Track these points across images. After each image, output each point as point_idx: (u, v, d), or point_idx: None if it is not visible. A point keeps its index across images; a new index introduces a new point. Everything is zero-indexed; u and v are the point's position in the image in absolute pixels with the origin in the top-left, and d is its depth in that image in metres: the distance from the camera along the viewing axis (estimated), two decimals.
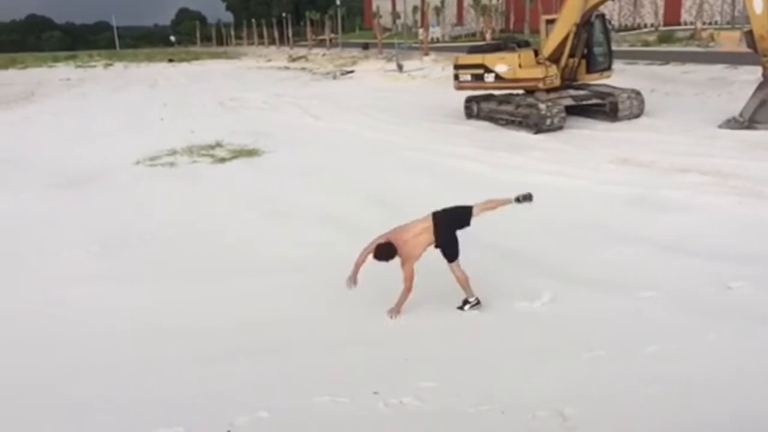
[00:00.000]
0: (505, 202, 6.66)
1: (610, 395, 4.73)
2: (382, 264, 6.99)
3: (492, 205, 6.62)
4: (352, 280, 6.06)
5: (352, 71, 40.43)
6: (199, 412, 4.65)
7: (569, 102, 16.21)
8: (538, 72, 16.18)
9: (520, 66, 16.41)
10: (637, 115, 16.37)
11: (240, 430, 4.47)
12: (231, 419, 4.55)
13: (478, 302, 6.23)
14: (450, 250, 6.21)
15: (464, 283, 6.21)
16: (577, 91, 16.73)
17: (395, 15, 68.24)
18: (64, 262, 8.11)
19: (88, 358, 5.57)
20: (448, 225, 6.24)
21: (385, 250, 6.02)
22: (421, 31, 46.33)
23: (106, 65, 64.95)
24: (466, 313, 6.14)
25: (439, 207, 9.86)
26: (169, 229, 9.29)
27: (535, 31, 30.18)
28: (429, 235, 6.15)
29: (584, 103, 16.58)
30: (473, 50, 18.90)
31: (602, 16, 16.67)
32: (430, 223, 6.21)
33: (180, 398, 4.86)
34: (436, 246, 6.18)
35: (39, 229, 9.59)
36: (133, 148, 15.66)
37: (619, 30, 45.24)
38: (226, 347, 5.67)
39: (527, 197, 6.65)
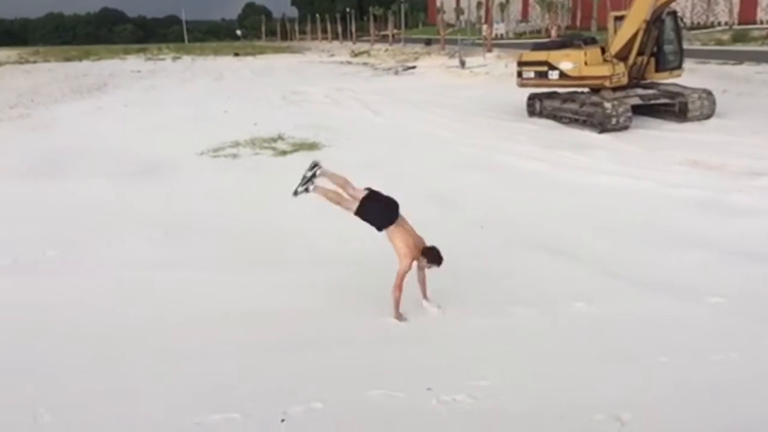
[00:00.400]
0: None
1: (671, 402, 4.58)
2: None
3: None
4: (400, 316, 5.95)
5: (413, 67, 40.36)
6: (255, 400, 4.71)
7: (636, 101, 15.78)
8: (604, 70, 15.81)
9: (585, 63, 16.08)
10: (708, 116, 15.82)
11: (294, 419, 4.51)
12: (285, 408, 4.60)
13: None
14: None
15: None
16: (645, 90, 16.26)
17: (459, 11, 67.80)
18: (129, 247, 8.35)
19: (148, 341, 5.72)
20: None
21: (436, 253, 5.90)
22: (484, 27, 45.91)
23: (175, 58, 66.60)
24: (523, 314, 6.03)
25: (496, 205, 9.80)
26: (230, 219, 9.47)
27: (603, 28, 29.53)
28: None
29: (652, 102, 16.13)
30: (537, 47, 18.62)
31: (674, 14, 16.16)
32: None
33: (236, 385, 4.93)
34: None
35: (107, 214, 9.89)
36: (198, 139, 16.00)
37: (692, 28, 43.82)
38: (283, 337, 5.74)
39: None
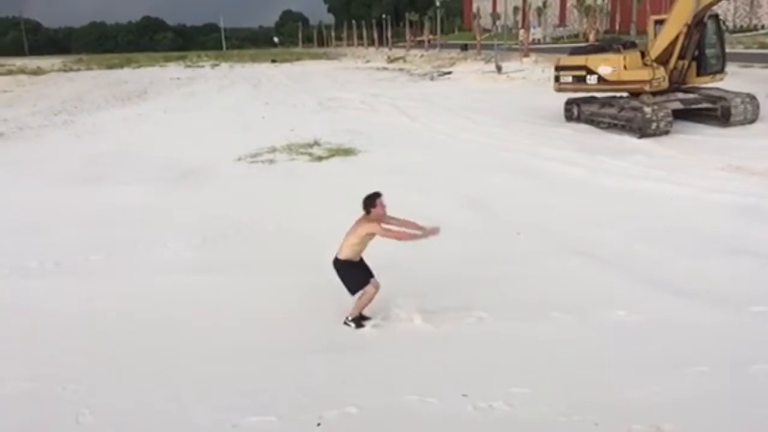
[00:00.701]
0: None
1: (712, 413, 4.49)
2: (471, 269, 7.01)
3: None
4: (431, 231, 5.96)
5: (449, 72, 40.30)
6: (291, 404, 4.75)
7: (677, 105, 15.51)
8: (644, 74, 15.58)
9: (625, 68, 15.87)
10: (752, 121, 15.48)
11: (329, 423, 4.53)
12: (321, 412, 4.62)
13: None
14: None
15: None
16: (686, 94, 15.99)
17: (495, 16, 67.53)
18: (168, 251, 8.49)
19: (187, 344, 5.81)
20: None
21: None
22: (521, 32, 45.60)
23: (213, 65, 67.59)
24: (560, 321, 5.96)
25: (533, 210, 9.72)
26: (267, 224, 9.56)
27: (642, 32, 29.10)
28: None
29: (693, 107, 15.84)
30: (576, 51, 18.44)
31: (716, 17, 15.86)
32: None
33: (273, 388, 4.98)
34: None
35: (147, 219, 10.07)
36: (236, 145, 16.20)
37: (734, 31, 42.91)
38: (318, 340, 5.77)
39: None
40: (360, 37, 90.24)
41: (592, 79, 16.62)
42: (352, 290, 5.91)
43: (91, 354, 5.67)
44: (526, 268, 7.41)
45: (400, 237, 5.90)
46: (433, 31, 68.70)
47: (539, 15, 60.07)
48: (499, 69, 34.72)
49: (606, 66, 16.23)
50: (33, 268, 7.94)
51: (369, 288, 5.90)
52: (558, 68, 18.14)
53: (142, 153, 16.15)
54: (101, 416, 4.69)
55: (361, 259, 6.03)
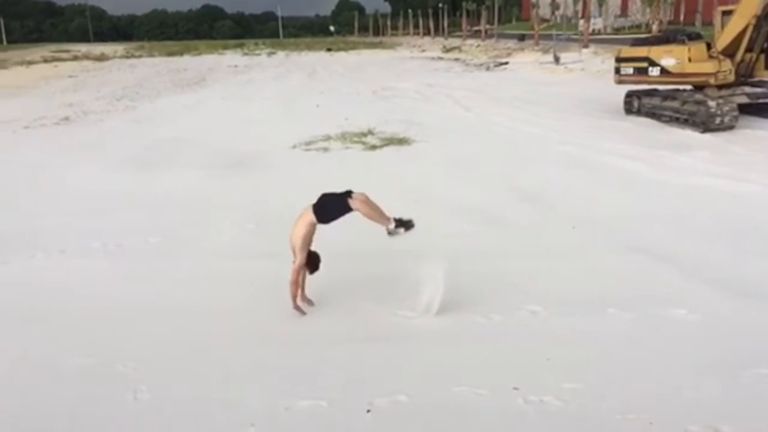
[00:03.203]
0: (382, 219, 6.09)
1: None
2: (525, 262, 6.93)
3: (367, 211, 6.05)
4: (298, 308, 6.01)
5: (506, 63, 39.84)
6: (341, 389, 4.79)
7: (743, 100, 14.99)
8: (709, 67, 15.06)
9: (689, 60, 15.36)
10: None
11: (379, 410, 4.55)
12: (371, 399, 4.65)
13: None
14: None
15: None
16: (753, 88, 15.41)
17: (554, 6, 66.15)
18: (224, 236, 8.65)
19: (242, 327, 5.92)
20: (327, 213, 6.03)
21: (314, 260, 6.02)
22: (581, 22, 44.70)
23: (270, 53, 68.33)
24: (617, 318, 5.85)
25: (589, 204, 9.55)
26: None
27: (708, 23, 28.19)
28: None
29: (761, 101, 15.27)
30: (638, 42, 17.98)
31: None
32: (311, 216, 6.03)
33: (324, 374, 5.03)
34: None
35: (205, 204, 10.28)
36: (291, 133, 16.37)
37: None
38: (369, 328, 5.81)
39: (406, 224, 6.14)
40: (416, 27, 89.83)
41: (654, 72, 16.17)
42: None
43: (149, 333, 5.83)
44: (581, 263, 7.29)
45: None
46: (490, 21, 67.88)
47: (600, 5, 58.59)
48: (557, 60, 34.15)
49: (669, 58, 15.76)
50: (95, 249, 8.21)
51: (354, 202, 5.98)
52: (619, 60, 17.72)
53: (199, 139, 16.47)
54: (158, 395, 4.82)
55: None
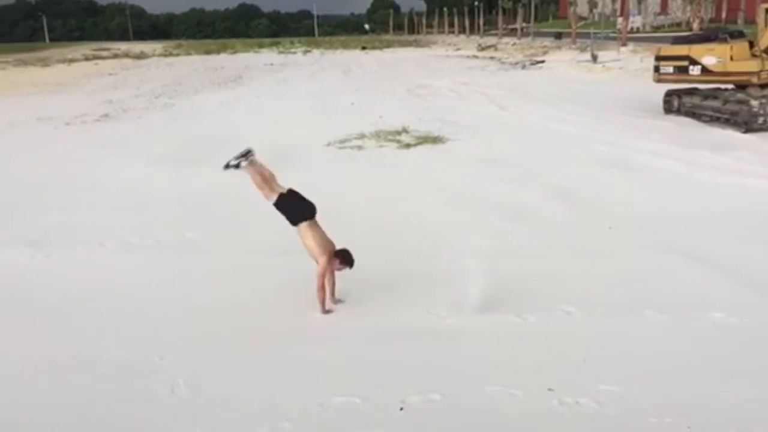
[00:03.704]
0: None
1: None
2: (559, 262, 6.87)
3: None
4: (327, 312, 6.08)
5: (542, 61, 39.44)
6: (375, 386, 4.80)
7: None
8: (752, 65, 14.74)
9: (731, 58, 15.06)
10: None
11: (412, 408, 4.56)
12: (404, 397, 4.65)
13: None
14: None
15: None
16: None
17: (592, 3, 65.33)
18: (259, 233, 8.70)
19: (277, 323, 5.98)
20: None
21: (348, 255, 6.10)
22: (619, 20, 44.02)
23: (305, 52, 68.67)
24: (653, 320, 5.76)
25: (626, 204, 9.42)
26: (354, 209, 9.65)
27: (751, 21, 27.54)
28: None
29: None
30: (678, 40, 17.71)
31: None
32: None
33: (357, 370, 5.06)
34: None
35: (240, 200, 10.34)
36: (325, 131, 16.43)
37: None
38: (403, 326, 5.81)
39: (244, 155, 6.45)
40: (451, 25, 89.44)
41: (695, 70, 15.89)
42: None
43: (186, 328, 5.92)
44: (617, 264, 7.20)
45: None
46: (526, 19, 67.28)
47: (639, 2, 57.73)
48: (594, 58, 33.71)
49: (711, 56, 15.48)
50: (134, 243, 8.36)
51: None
52: (658, 58, 17.45)
53: (235, 136, 16.56)
54: (194, 388, 4.89)
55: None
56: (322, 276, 6.04)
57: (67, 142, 16.67)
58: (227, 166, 6.56)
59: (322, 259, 6.02)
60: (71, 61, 55.83)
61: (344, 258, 6.12)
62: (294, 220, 6.23)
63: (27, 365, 5.30)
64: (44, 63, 52.82)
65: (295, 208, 6.26)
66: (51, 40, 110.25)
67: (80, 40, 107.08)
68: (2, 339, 5.79)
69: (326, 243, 6.14)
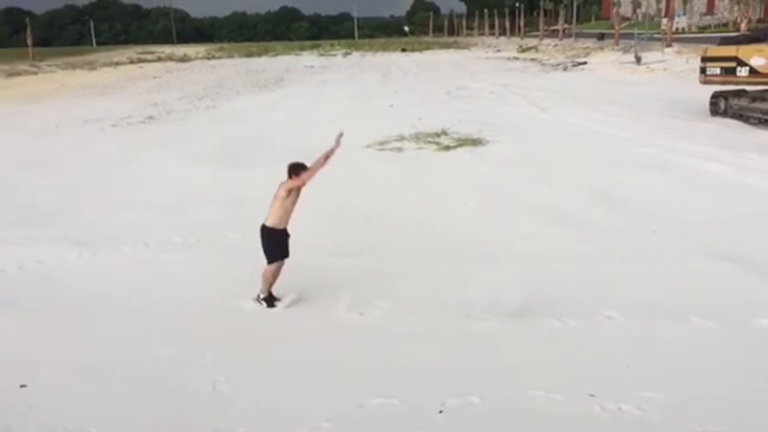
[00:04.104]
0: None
1: None
2: (601, 266, 6.77)
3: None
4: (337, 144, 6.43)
5: (584, 63, 38.96)
6: (414, 388, 4.80)
7: None
8: None
9: None
10: None
11: (451, 411, 4.54)
12: (443, 399, 4.64)
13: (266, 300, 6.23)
14: None
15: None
16: None
17: (636, 4, 64.23)
18: (300, 234, 8.76)
19: (318, 322, 6.03)
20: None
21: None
22: (664, 20, 43.23)
23: (345, 54, 69.01)
24: (699, 326, 5.63)
25: (670, 207, 9.24)
26: (394, 211, 9.67)
27: None
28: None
29: None
30: (725, 41, 17.33)
31: None
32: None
33: (396, 372, 5.06)
34: None
35: None
36: (365, 133, 16.44)
37: None
38: (442, 328, 5.79)
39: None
40: (491, 27, 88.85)
41: (743, 72, 15.54)
42: (269, 259, 6.25)
43: (227, 327, 6.01)
44: (661, 268, 7.06)
45: (316, 169, 6.30)
46: (568, 20, 66.48)
47: (685, 2, 56.57)
48: (638, 59, 33.17)
49: (759, 57, 15.11)
50: (177, 243, 8.50)
51: (271, 267, 6.22)
52: (705, 59, 17.12)
53: (276, 138, 16.79)
54: (236, 386, 4.95)
55: (285, 231, 6.31)
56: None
57: (113, 143, 17.03)
58: None
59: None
60: (117, 64, 57.07)
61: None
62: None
63: (74, 360, 5.43)
64: (91, 66, 54.08)
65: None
66: (98, 43, 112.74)
67: (126, 44, 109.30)
68: (50, 335, 5.95)
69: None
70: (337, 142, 6.56)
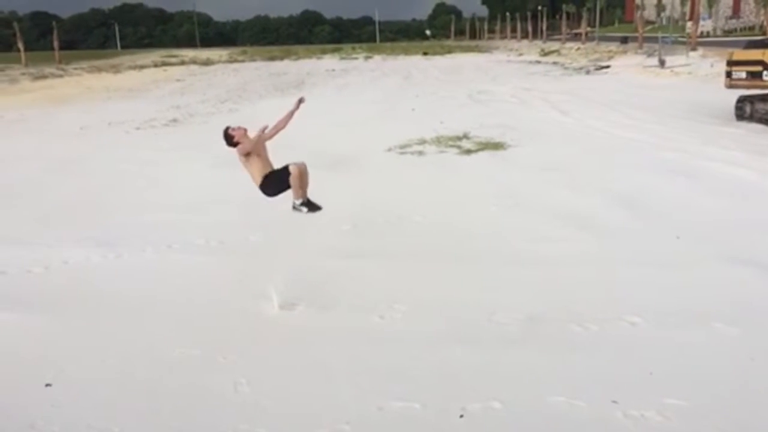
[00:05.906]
0: (298, 191, 6.46)
1: None
2: (624, 271, 6.70)
3: (297, 176, 6.40)
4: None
5: (607, 66, 38.74)
6: (434, 392, 4.79)
7: None
8: None
9: None
10: None
11: (472, 416, 4.52)
12: (464, 404, 4.62)
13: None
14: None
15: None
16: None
17: (660, 7, 63.68)
18: (321, 236, 8.82)
19: (339, 324, 6.04)
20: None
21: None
22: (689, 24, 42.82)
23: (366, 57, 69.18)
24: (723, 333, 5.56)
25: (694, 213, 9.15)
26: (415, 214, 9.67)
27: None
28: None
29: None
30: (752, 44, 17.10)
31: None
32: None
33: (417, 376, 5.05)
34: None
35: None
36: (386, 136, 16.50)
37: None
38: (462, 332, 5.77)
39: (312, 206, 6.57)
40: (513, 30, 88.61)
41: None
42: (283, 188, 6.46)
43: (248, 328, 6.04)
44: (685, 274, 6.98)
45: (278, 127, 6.70)
46: (591, 24, 66.12)
47: (710, 6, 55.98)
48: (662, 63, 32.90)
49: None
50: (200, 245, 8.57)
51: (291, 169, 6.33)
52: (730, 63, 16.89)
53: (297, 141, 16.74)
54: (257, 388, 4.97)
55: (270, 172, 6.53)
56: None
57: (137, 145, 17.23)
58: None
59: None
60: (141, 67, 57.76)
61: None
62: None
63: (98, 360, 5.49)
64: (116, 69, 54.77)
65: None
66: (122, 47, 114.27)
67: (150, 47, 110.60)
68: (75, 336, 6.02)
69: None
70: (297, 106, 6.88)
